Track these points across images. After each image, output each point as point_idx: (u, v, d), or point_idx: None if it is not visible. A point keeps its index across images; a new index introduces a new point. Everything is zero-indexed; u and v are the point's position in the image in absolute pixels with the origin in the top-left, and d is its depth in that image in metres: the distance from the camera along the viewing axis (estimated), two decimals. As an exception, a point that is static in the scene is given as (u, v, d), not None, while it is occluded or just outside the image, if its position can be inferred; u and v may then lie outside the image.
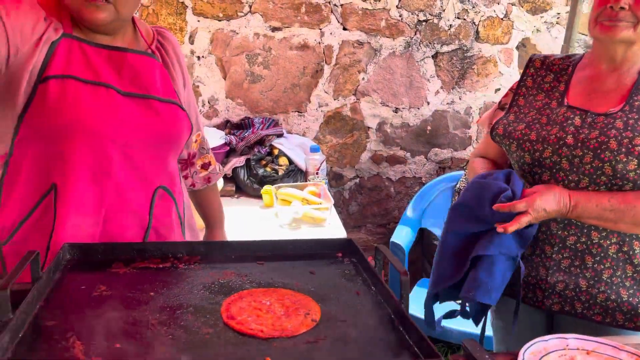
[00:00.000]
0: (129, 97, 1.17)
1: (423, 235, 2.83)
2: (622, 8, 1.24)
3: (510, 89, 1.50)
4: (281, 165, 2.57)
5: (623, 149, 1.24)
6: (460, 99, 2.96)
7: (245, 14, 2.68)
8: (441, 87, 2.93)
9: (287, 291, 1.01)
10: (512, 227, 1.20)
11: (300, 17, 2.72)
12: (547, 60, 1.46)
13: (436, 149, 3.03)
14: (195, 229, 1.45)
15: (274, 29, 2.73)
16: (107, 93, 1.14)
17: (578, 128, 1.29)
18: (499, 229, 1.21)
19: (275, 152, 2.63)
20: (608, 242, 1.29)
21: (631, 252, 1.29)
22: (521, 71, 2.98)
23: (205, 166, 1.49)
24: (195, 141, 1.44)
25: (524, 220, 1.21)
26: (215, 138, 2.53)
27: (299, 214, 2.08)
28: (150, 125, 1.19)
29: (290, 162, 2.61)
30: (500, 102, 1.52)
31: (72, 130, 1.10)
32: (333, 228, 2.11)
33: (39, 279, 0.91)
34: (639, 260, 1.30)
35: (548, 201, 1.23)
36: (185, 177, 1.46)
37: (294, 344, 0.84)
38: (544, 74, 1.43)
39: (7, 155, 1.13)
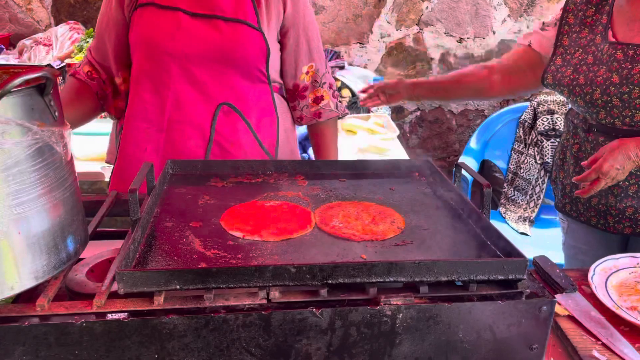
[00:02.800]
0: (196, 17, 1.30)
1: (484, 167, 2.84)
2: None
3: (556, 18, 1.49)
4: (344, 97, 2.61)
5: None
6: (527, 27, 2.87)
7: (308, -57, 2.65)
8: (508, 15, 2.84)
9: (371, 204, 1.08)
10: (587, 193, 1.28)
11: (364, -56, 2.66)
12: None
13: (500, 80, 2.97)
14: (296, 155, 1.51)
15: (337, -42, 2.69)
16: (174, 14, 1.30)
17: (621, 63, 1.30)
18: (577, 194, 1.31)
19: (338, 84, 2.66)
20: None
21: None
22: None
23: (316, 100, 1.46)
24: (307, 72, 1.43)
25: (597, 187, 1.27)
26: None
27: (364, 144, 2.14)
28: (211, 42, 1.30)
29: (353, 94, 2.64)
30: (544, 24, 1.52)
31: (139, 46, 1.31)
32: (397, 157, 2.16)
33: (154, 188, 1.02)
34: None
35: (618, 161, 1.25)
36: (294, 109, 1.48)
37: (383, 246, 0.92)
38: (584, 8, 1.40)
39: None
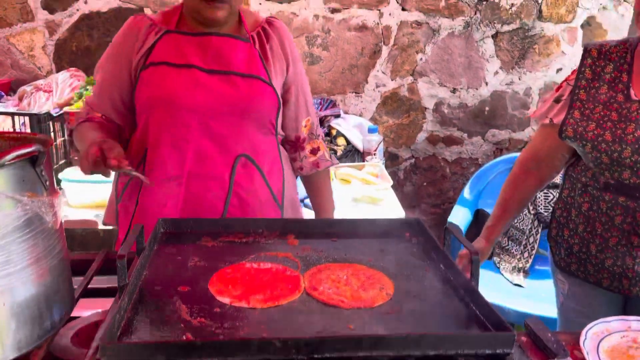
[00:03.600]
0: (211, 73, 1.34)
1: (478, 216, 2.84)
2: None
3: (566, 81, 1.46)
4: (339, 146, 2.64)
5: None
6: (519, 79, 2.93)
7: (306, -4, 2.74)
8: (500, 67, 2.90)
9: (362, 267, 1.08)
10: None
11: (357, -2, 2.75)
12: (603, 48, 1.40)
13: (494, 129, 3.02)
14: (297, 206, 1.56)
15: (333, 11, 2.77)
16: (190, 72, 1.34)
17: None
18: None
19: (334, 132, 2.70)
20: None
21: None
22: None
23: (314, 151, 1.57)
24: (305, 126, 1.53)
25: None
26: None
27: (357, 194, 2.15)
28: (229, 96, 1.35)
29: (348, 142, 2.67)
30: (555, 95, 1.47)
31: (156, 103, 1.34)
32: (390, 208, 2.17)
33: (143, 250, 1.02)
34: None
35: None
36: (294, 160, 1.56)
37: (372, 315, 0.92)
38: (603, 64, 1.38)
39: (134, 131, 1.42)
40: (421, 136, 3.02)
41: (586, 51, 1.42)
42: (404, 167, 3.09)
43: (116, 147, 1.19)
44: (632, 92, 1.32)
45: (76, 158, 1.58)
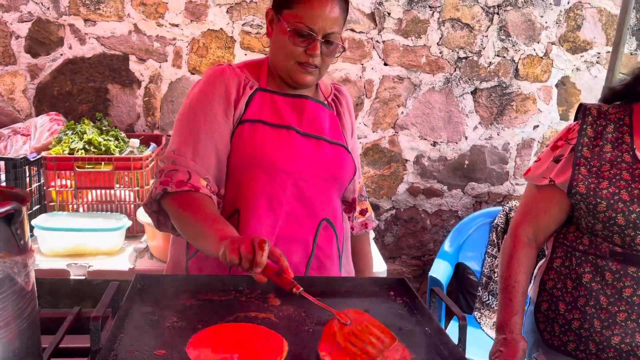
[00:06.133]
0: (306, 137, 1.35)
1: (459, 270, 2.83)
2: None
3: (564, 140, 1.42)
4: (321, 196, 2.63)
5: None
6: (498, 134, 3.00)
7: (291, 49, 2.79)
8: (479, 123, 2.97)
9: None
10: None
11: (343, 52, 2.81)
12: (601, 109, 1.39)
13: (473, 183, 3.05)
14: (351, 266, 1.54)
15: (318, 64, 2.82)
16: (288, 133, 1.33)
17: None
18: None
19: (316, 182, 2.69)
20: None
21: None
22: (560, 109, 3.00)
23: (362, 212, 1.60)
24: (358, 187, 1.56)
25: None
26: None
27: (340, 245, 2.13)
28: (320, 161, 1.35)
29: (330, 192, 2.67)
30: (554, 155, 1.43)
31: (254, 162, 1.29)
32: (375, 259, 2.14)
33: (119, 310, 0.98)
34: None
35: None
36: (348, 220, 1.56)
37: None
38: (604, 124, 1.37)
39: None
40: (402, 187, 3.04)
41: (586, 109, 1.40)
42: (385, 218, 3.08)
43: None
44: (638, 153, 1.31)
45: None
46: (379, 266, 2.09)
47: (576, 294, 1.36)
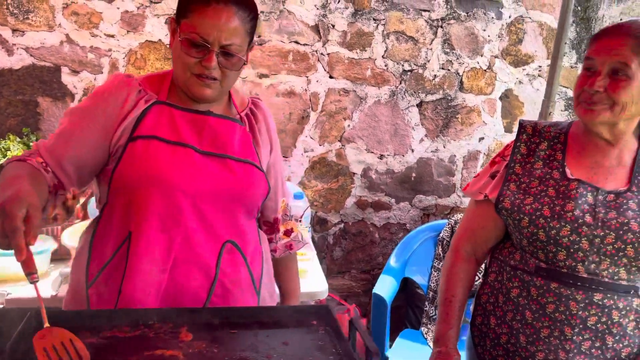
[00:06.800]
0: (206, 155, 1.26)
1: (407, 285, 2.81)
2: (597, 91, 1.23)
3: (501, 156, 1.44)
4: (265, 212, 2.56)
5: None
6: (444, 147, 3.00)
7: (233, 61, 2.71)
8: (425, 135, 2.97)
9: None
10: None
11: (288, 65, 2.76)
12: (537, 126, 1.41)
13: (420, 195, 3.04)
14: (273, 290, 1.46)
15: (262, 76, 2.76)
16: (185, 151, 1.24)
17: (593, 206, 1.25)
18: None
19: (259, 198, 2.62)
20: (627, 320, 1.26)
21: None
22: (505, 122, 3.02)
23: (287, 233, 1.51)
24: (281, 207, 1.48)
25: None
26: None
27: (280, 265, 2.06)
28: (223, 181, 1.27)
29: (274, 208, 2.60)
30: (491, 171, 1.44)
31: (146, 182, 1.21)
32: (314, 279, 2.09)
33: (7, 350, 0.88)
34: None
35: None
36: (270, 241, 1.49)
37: None
38: (537, 141, 1.38)
39: (102, 204, 1.28)
40: (350, 201, 3.00)
41: (522, 127, 1.42)
42: (333, 232, 3.04)
43: (36, 225, 0.93)
44: (567, 170, 1.32)
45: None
46: (319, 285, 2.03)
47: (505, 309, 1.36)
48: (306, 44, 2.76)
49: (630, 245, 1.22)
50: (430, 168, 3.01)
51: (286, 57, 2.75)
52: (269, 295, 1.43)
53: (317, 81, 2.81)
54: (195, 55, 1.19)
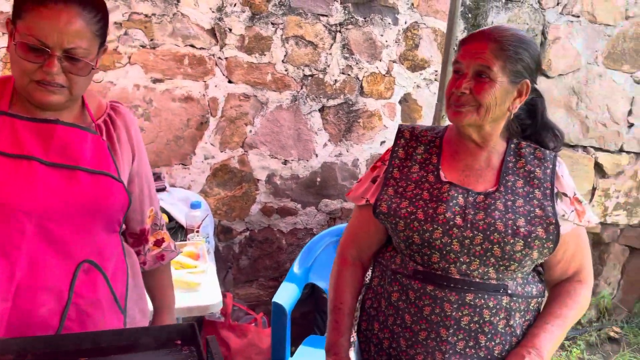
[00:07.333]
0: (53, 167, 1.16)
1: (314, 291, 2.79)
2: (463, 93, 1.27)
3: (381, 161, 1.46)
4: (161, 223, 2.44)
5: (509, 231, 1.25)
6: (347, 151, 3.02)
7: (124, 65, 2.58)
8: (329, 140, 2.97)
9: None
10: None
11: (184, 69, 2.66)
12: (415, 131, 1.44)
13: (326, 199, 3.04)
14: (144, 307, 1.38)
15: (156, 81, 2.64)
16: (29, 165, 1.13)
17: (463, 208, 1.28)
18: None
19: (155, 208, 2.50)
20: (497, 319, 1.29)
21: (514, 325, 1.31)
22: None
23: (158, 243, 1.43)
24: (149, 217, 1.39)
25: None
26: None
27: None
28: (73, 195, 1.15)
29: (171, 218, 2.49)
30: (372, 176, 1.45)
31: None
32: (209, 292, 2.01)
33: None
34: (518, 332, 1.33)
35: None
36: (138, 254, 1.39)
37: None
38: (414, 145, 1.41)
39: None
40: (255, 208, 2.94)
41: (400, 131, 1.44)
42: (238, 241, 2.96)
43: None
44: (441, 173, 1.34)
45: None
46: (212, 298, 1.96)
47: (387, 313, 1.37)
48: (202, 48, 2.67)
49: (497, 245, 1.25)
50: (334, 172, 3.02)
51: (181, 61, 2.65)
52: (140, 312, 1.34)
53: (216, 86, 2.73)
54: (34, 59, 1.09)
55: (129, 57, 2.58)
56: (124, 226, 1.34)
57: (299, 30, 2.79)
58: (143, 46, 2.59)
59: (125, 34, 2.55)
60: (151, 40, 2.58)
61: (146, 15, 2.56)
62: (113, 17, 2.52)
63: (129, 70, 2.59)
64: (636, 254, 3.73)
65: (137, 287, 1.36)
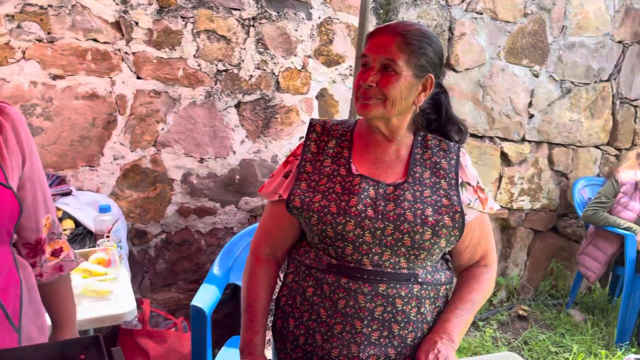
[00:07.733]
0: None
1: (236, 292, 2.73)
2: (370, 86, 1.28)
3: (293, 155, 1.45)
4: (66, 229, 2.28)
5: (418, 220, 1.27)
6: (266, 147, 2.98)
7: (18, 61, 2.38)
8: (246, 136, 2.92)
9: None
10: None
11: (87, 64, 2.50)
12: (326, 125, 1.44)
13: (247, 197, 2.99)
14: (43, 324, 1.25)
15: (55, 77, 2.46)
16: None
17: (374, 200, 1.29)
18: None
19: (60, 213, 2.33)
20: (409, 307, 1.31)
21: (425, 312, 1.34)
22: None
23: (55, 253, 1.31)
24: (45, 225, 1.27)
25: None
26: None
27: (78, 289, 1.83)
28: None
29: (78, 224, 2.33)
30: (285, 170, 1.44)
31: None
32: (121, 300, 1.90)
33: None
34: (429, 319, 1.36)
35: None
36: (33, 266, 1.27)
37: None
38: (326, 139, 1.41)
39: None
40: (170, 209, 2.83)
41: (311, 126, 1.44)
42: (154, 244, 2.84)
43: None
44: (353, 167, 1.35)
45: None
46: (125, 306, 1.85)
47: (302, 309, 1.36)
48: (107, 42, 2.52)
49: (407, 235, 1.28)
50: (253, 169, 2.97)
51: (84, 56, 2.49)
52: (38, 329, 1.23)
53: (123, 82, 2.59)
54: None
55: (24, 52, 2.38)
56: (15, 236, 1.22)
57: (210, 24, 2.71)
58: (39, 40, 2.40)
59: (19, 27, 2.35)
60: (48, 33, 2.40)
61: (42, 7, 2.38)
62: (4, 9, 2.32)
63: (23, 66, 2.39)
64: (539, 237, 4.01)
65: (33, 302, 1.24)
